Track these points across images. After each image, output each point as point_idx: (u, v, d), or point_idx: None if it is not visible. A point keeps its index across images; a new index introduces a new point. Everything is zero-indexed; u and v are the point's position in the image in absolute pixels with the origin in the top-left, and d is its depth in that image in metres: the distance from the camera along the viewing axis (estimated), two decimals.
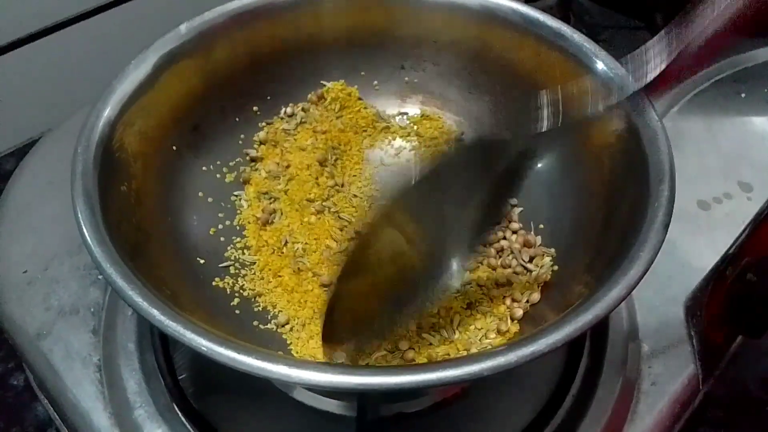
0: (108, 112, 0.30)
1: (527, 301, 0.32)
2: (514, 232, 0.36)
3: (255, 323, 0.33)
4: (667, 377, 0.35)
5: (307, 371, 0.22)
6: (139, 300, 0.24)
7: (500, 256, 0.35)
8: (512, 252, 0.34)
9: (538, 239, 0.35)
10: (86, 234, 0.26)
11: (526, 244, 0.34)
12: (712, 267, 0.38)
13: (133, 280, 0.25)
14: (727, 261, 0.39)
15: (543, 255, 0.34)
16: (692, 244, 0.39)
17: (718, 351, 0.40)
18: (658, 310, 0.37)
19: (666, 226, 0.25)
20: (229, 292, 0.34)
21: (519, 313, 0.32)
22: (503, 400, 0.33)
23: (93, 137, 0.29)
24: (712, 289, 0.38)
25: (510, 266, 0.34)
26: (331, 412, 0.33)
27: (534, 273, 0.33)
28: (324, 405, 0.33)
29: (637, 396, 0.34)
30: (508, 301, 0.33)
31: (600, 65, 0.32)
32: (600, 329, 0.35)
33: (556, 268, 0.33)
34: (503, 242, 0.35)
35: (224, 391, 0.34)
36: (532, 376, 0.34)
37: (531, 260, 0.34)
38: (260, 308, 0.34)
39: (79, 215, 0.26)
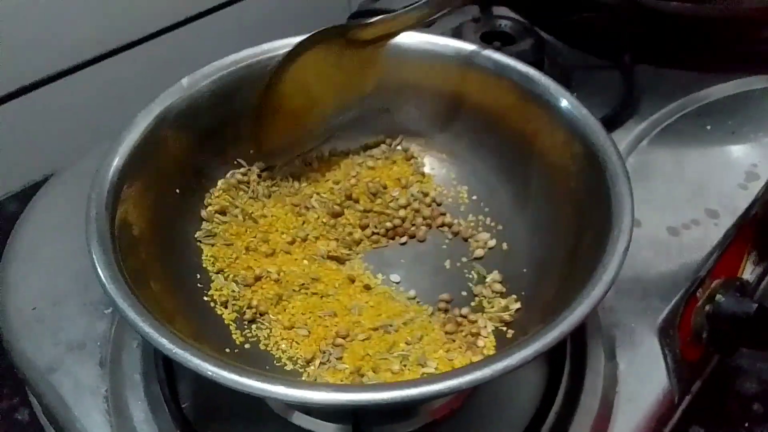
0: (117, 161, 0.33)
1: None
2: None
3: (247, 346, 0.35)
4: (643, 394, 0.36)
5: (303, 390, 0.24)
6: (156, 336, 0.26)
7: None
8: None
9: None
10: (101, 274, 0.28)
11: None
12: (683, 289, 0.41)
13: (144, 312, 0.27)
14: (697, 283, 0.41)
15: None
16: (664, 267, 0.42)
17: (694, 369, 0.42)
18: (633, 331, 0.39)
19: (626, 250, 0.28)
20: (229, 323, 0.36)
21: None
22: (491, 419, 0.35)
23: (105, 184, 0.32)
24: (684, 310, 0.40)
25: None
26: None
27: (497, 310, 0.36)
28: (321, 429, 0.35)
29: (615, 413, 0.36)
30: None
31: (565, 103, 0.35)
32: (579, 350, 0.37)
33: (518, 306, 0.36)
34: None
35: (226, 418, 0.35)
36: (516, 396, 0.36)
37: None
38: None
39: (94, 256, 0.28)
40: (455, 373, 0.24)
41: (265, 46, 0.40)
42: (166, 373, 0.36)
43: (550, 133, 0.36)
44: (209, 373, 0.25)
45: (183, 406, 0.35)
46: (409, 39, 0.41)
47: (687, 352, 0.40)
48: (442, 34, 0.43)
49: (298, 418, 0.35)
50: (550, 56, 0.54)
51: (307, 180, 0.41)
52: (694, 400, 0.41)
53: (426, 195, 0.41)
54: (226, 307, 0.36)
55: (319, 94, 0.40)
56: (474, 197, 0.41)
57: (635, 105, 0.51)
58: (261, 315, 0.35)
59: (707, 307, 0.42)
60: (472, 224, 0.40)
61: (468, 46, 0.39)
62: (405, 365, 0.32)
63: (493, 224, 0.40)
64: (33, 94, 0.55)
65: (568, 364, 0.37)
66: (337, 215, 0.40)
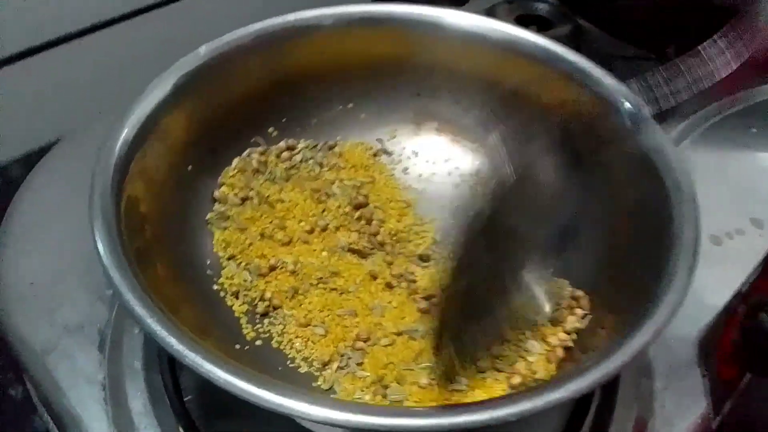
0: (126, 133, 0.30)
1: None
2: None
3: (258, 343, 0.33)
4: (680, 415, 0.34)
5: (328, 409, 0.22)
6: (158, 328, 0.23)
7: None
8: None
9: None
10: (104, 257, 0.25)
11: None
12: (724, 304, 0.38)
13: (150, 306, 0.25)
14: (739, 298, 0.39)
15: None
16: (705, 279, 0.39)
17: (728, 388, 0.39)
18: (670, 346, 0.36)
19: (692, 273, 0.25)
20: (239, 316, 0.33)
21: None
22: None
23: (111, 159, 0.29)
24: (724, 326, 0.38)
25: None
26: None
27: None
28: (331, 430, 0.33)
29: None
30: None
31: (620, 101, 0.32)
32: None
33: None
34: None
35: (231, 416, 0.33)
36: (543, 412, 0.33)
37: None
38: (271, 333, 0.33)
39: (97, 238, 0.26)
40: (501, 401, 0.22)
41: (290, 17, 0.37)
42: (169, 364, 0.33)
43: (599, 129, 0.33)
44: (221, 381, 0.22)
45: (185, 399, 0.33)
46: (445, 16, 0.38)
47: (723, 371, 0.38)
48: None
49: (306, 420, 0.33)
50: (588, 44, 0.52)
51: (328, 165, 0.39)
52: (724, 422, 0.39)
53: None
54: (237, 298, 0.33)
55: None
56: None
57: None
58: (274, 309, 0.33)
59: (747, 324, 0.39)
60: None
61: (512, 29, 0.36)
62: (433, 379, 0.29)
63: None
64: (43, 54, 0.53)
65: None
66: (359, 206, 0.37)
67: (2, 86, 0.51)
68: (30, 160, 0.53)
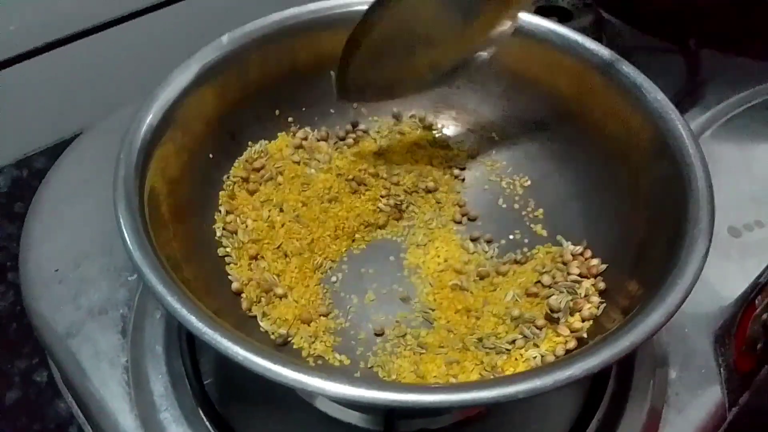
0: (150, 118, 0.31)
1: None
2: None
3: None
4: (694, 405, 0.34)
5: (343, 385, 0.22)
6: (178, 306, 0.24)
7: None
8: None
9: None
10: (127, 239, 0.26)
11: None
12: (741, 295, 0.38)
13: (171, 286, 0.25)
14: (756, 290, 0.38)
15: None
16: (722, 270, 0.39)
17: (745, 380, 0.39)
18: (686, 336, 0.36)
19: (704, 259, 0.25)
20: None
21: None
22: (528, 422, 0.33)
23: (135, 143, 0.29)
24: (741, 317, 0.38)
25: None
26: (353, 424, 0.33)
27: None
28: (347, 417, 0.33)
29: (664, 423, 0.33)
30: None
31: (640, 90, 0.32)
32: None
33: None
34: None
35: (249, 399, 0.34)
36: (556, 399, 0.33)
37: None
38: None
39: (121, 220, 0.26)
40: (511, 379, 0.22)
41: (312, 6, 0.37)
42: (189, 347, 0.34)
43: (621, 120, 0.33)
44: (240, 358, 0.23)
45: (205, 383, 0.34)
46: None
47: (740, 362, 0.38)
48: None
49: (323, 404, 0.33)
50: (609, 36, 0.51)
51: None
52: (740, 413, 0.39)
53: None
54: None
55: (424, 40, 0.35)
56: (527, 184, 0.39)
57: (699, 93, 0.48)
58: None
59: (765, 316, 0.39)
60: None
61: (533, 19, 0.36)
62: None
63: (540, 215, 0.38)
64: (66, 48, 0.53)
65: (614, 367, 0.34)
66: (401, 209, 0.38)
67: (27, 80, 0.52)
68: (54, 152, 0.54)
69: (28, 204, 0.43)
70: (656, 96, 0.31)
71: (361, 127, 0.40)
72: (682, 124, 0.30)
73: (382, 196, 0.37)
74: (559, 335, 0.30)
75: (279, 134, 0.38)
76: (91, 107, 0.53)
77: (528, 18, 0.36)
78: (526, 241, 0.37)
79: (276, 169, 0.37)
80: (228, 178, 0.36)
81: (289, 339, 0.32)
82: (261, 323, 0.32)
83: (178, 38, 0.54)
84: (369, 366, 0.32)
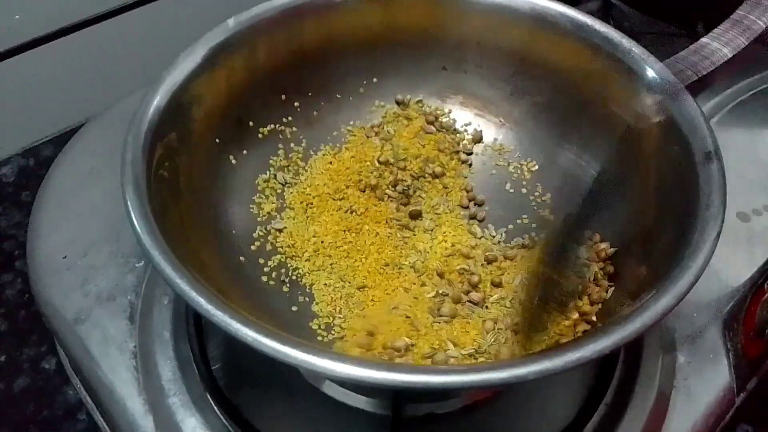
0: (157, 101, 0.31)
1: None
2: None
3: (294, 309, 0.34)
4: (703, 391, 0.34)
5: (352, 366, 0.22)
6: (186, 288, 0.24)
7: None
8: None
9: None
10: (135, 222, 0.26)
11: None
12: (749, 280, 0.38)
13: (179, 267, 0.25)
14: (765, 275, 0.38)
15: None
16: (731, 255, 0.39)
17: (753, 366, 0.39)
18: (694, 321, 0.36)
19: (715, 241, 0.25)
20: (270, 282, 0.34)
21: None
22: (535, 407, 0.33)
23: (143, 126, 0.29)
24: (750, 302, 0.38)
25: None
26: (361, 408, 0.33)
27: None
28: (354, 401, 0.33)
29: (672, 408, 0.33)
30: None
31: (650, 72, 0.32)
32: (635, 338, 0.34)
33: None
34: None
35: (257, 383, 0.34)
36: (564, 383, 0.33)
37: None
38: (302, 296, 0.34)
39: (129, 203, 0.26)
40: (520, 361, 0.22)
41: None
42: (196, 332, 0.34)
43: (630, 103, 0.32)
44: (249, 339, 0.23)
45: (213, 368, 0.34)
46: None
47: (748, 347, 0.38)
48: None
49: (330, 389, 0.33)
50: (616, 20, 0.51)
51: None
52: (748, 398, 0.39)
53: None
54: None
55: None
56: (535, 169, 0.39)
57: (707, 78, 0.48)
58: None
59: None
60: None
61: (540, 1, 0.36)
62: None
63: (547, 200, 0.37)
64: (72, 36, 0.53)
65: (622, 352, 0.34)
66: (415, 216, 0.37)
67: (33, 69, 0.52)
68: (60, 140, 0.54)
69: (35, 192, 0.43)
70: (668, 79, 0.31)
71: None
72: (693, 107, 0.29)
73: (390, 184, 0.38)
74: (568, 318, 0.30)
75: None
76: (97, 96, 0.53)
77: (536, 1, 0.36)
78: (533, 225, 0.37)
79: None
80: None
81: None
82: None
83: (186, 26, 0.54)
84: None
